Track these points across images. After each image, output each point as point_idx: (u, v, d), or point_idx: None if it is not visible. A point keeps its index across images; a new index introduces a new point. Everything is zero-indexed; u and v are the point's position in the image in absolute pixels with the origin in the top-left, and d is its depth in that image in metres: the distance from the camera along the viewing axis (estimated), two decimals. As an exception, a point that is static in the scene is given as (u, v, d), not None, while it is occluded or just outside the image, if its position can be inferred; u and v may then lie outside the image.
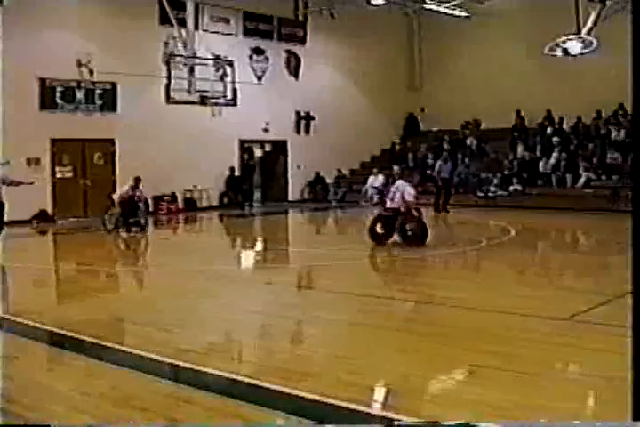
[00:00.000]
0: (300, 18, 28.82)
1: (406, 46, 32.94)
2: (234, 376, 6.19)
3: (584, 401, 5.74)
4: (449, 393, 6.01)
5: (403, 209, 14.68)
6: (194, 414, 5.45)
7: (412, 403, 5.58)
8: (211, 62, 24.24)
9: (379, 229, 15.12)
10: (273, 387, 5.87)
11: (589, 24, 22.02)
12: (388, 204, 15.03)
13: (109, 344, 7.35)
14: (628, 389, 5.74)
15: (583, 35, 22.02)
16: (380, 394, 5.99)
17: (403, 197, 14.70)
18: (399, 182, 15.24)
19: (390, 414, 5.27)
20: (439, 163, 25.81)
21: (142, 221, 18.49)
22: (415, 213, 14.82)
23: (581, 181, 24.78)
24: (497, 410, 5.35)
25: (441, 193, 23.89)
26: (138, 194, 18.42)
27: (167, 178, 23.48)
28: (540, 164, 26.36)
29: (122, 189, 18.83)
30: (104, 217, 18.48)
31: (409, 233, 14.64)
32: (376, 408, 5.53)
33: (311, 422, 5.25)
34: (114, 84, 22.69)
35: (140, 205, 18.58)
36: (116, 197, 18.50)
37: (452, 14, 28.31)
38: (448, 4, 27.70)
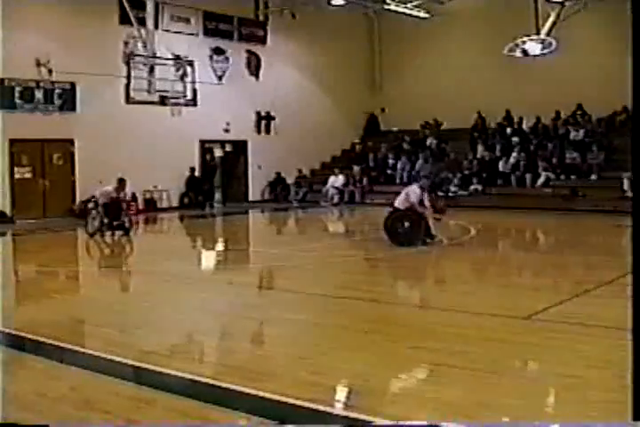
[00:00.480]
0: (261, 18, 28.73)
1: (367, 47, 33.04)
2: (196, 377, 6.17)
3: (543, 399, 5.79)
4: (411, 392, 6.05)
5: (402, 207, 14.77)
6: (155, 415, 5.43)
7: (373, 402, 5.59)
8: (171, 62, 24.06)
9: None
10: (235, 387, 5.86)
11: (548, 25, 22.31)
12: (396, 203, 15.06)
13: (70, 346, 7.29)
14: (584, 387, 5.84)
15: (542, 35, 22.30)
16: (341, 394, 6.00)
17: (407, 197, 14.77)
18: (413, 187, 15.23)
19: (352, 414, 5.29)
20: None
21: (127, 224, 18.01)
22: (419, 213, 14.81)
23: (540, 180, 25.00)
24: (458, 409, 5.39)
25: None
26: (122, 196, 17.96)
27: (127, 178, 23.18)
28: (500, 163, 26.53)
29: (105, 189, 17.87)
30: (86, 219, 17.93)
31: (399, 230, 14.72)
32: (338, 408, 5.54)
33: (273, 422, 5.25)
34: (73, 84, 22.44)
35: (124, 206, 18.14)
36: (101, 200, 17.57)
37: (411, 15, 28.35)
38: (408, 5, 27.73)
